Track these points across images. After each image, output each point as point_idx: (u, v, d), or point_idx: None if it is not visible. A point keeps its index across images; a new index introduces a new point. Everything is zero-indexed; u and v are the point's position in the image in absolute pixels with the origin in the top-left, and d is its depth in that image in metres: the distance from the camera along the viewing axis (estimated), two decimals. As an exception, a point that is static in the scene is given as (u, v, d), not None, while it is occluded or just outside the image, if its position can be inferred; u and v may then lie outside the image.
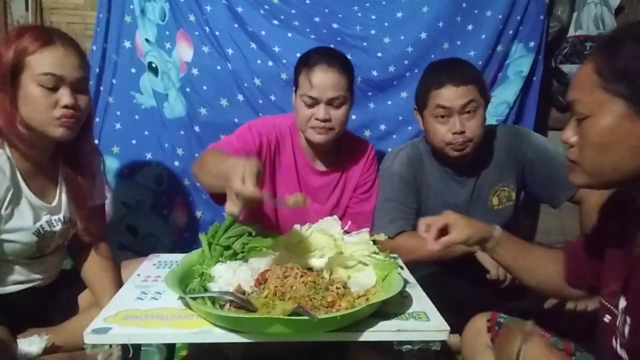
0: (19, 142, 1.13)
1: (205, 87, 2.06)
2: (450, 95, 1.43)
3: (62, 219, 1.26)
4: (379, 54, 2.07)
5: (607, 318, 0.86)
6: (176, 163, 2.14)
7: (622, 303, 0.83)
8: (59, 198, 1.26)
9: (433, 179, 1.59)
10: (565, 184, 1.45)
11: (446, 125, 1.45)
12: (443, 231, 1.06)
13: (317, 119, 1.44)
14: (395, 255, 1.26)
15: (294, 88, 1.54)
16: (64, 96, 1.11)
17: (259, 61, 2.04)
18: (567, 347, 1.01)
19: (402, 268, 1.22)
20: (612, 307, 0.86)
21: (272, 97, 2.06)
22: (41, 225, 1.21)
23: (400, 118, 2.11)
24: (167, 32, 2.05)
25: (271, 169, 1.54)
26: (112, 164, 2.09)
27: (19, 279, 1.23)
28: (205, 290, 1.00)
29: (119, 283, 1.29)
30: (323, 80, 1.42)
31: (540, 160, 1.53)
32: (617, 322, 0.84)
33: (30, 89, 1.09)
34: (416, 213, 1.57)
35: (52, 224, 1.23)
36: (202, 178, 1.21)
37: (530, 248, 1.14)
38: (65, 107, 1.11)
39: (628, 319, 0.81)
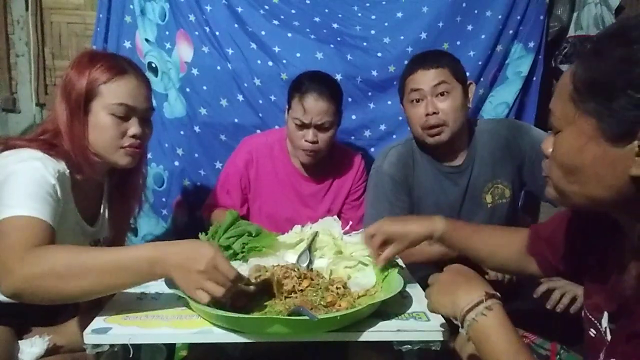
0: (87, 168, 1.13)
1: (205, 87, 2.06)
2: (421, 78, 1.47)
3: (102, 240, 1.27)
4: (379, 54, 2.07)
5: (592, 332, 0.80)
6: (176, 163, 2.14)
7: (606, 323, 0.76)
8: (102, 221, 1.27)
9: (425, 177, 1.57)
10: None
11: (420, 108, 1.48)
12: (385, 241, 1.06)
13: (306, 141, 1.57)
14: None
15: (287, 107, 1.64)
16: (133, 126, 1.14)
17: (259, 61, 2.04)
18: (553, 347, 1.01)
19: (402, 268, 1.22)
20: (596, 322, 0.79)
21: (272, 97, 2.06)
22: None
23: (400, 118, 2.10)
24: (167, 32, 2.05)
25: (257, 184, 1.72)
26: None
27: None
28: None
29: None
30: (313, 107, 1.55)
31: (539, 157, 1.51)
32: (603, 341, 0.76)
33: (101, 117, 1.11)
34: (409, 212, 1.56)
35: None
36: None
37: (488, 231, 1.11)
38: (133, 136, 1.14)
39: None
